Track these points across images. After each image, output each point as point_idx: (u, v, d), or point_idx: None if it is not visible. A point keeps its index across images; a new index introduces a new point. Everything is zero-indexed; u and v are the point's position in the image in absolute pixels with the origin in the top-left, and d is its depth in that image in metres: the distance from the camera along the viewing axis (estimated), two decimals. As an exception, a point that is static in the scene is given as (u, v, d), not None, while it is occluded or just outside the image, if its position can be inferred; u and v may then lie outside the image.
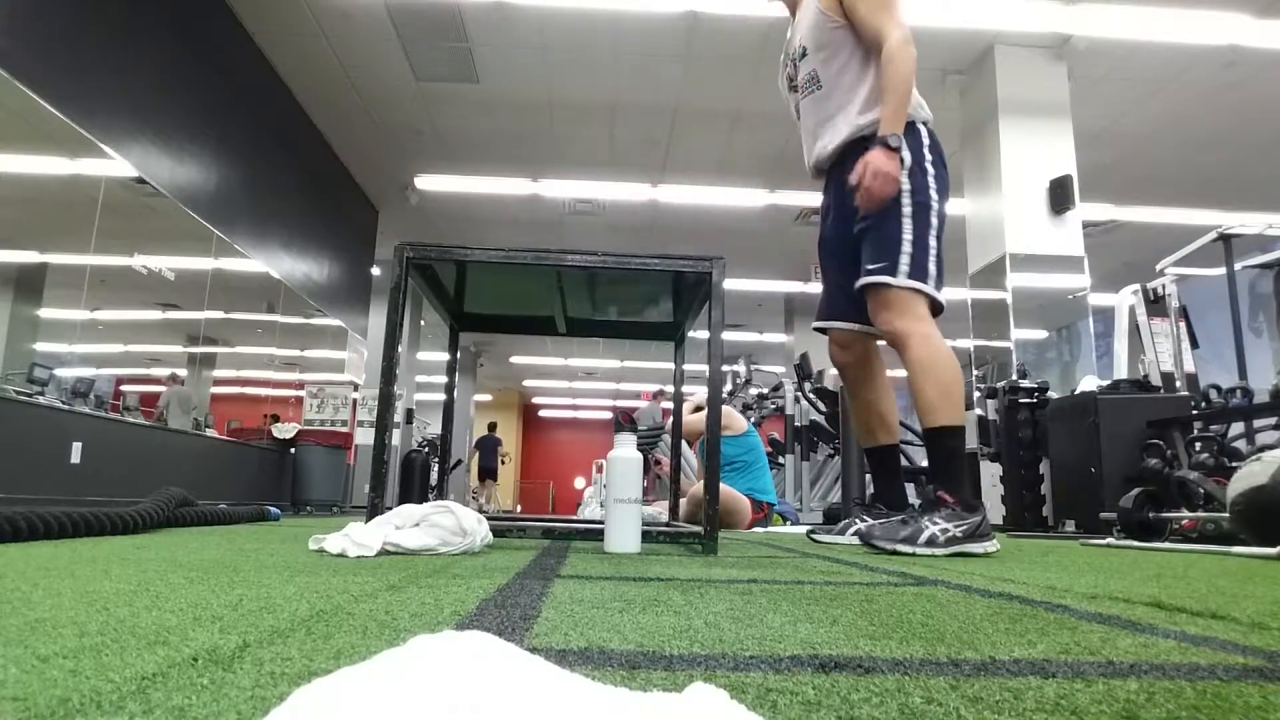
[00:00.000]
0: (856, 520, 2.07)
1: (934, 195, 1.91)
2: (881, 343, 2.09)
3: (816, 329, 2.19)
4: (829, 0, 1.98)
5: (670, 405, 3.91)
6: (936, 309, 1.92)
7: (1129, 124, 6.41)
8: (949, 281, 1.96)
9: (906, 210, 1.89)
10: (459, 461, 13.14)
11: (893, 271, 1.87)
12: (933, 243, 1.90)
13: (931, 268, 1.89)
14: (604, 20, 5.25)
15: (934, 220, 1.91)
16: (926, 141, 1.96)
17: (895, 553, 1.68)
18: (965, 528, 1.72)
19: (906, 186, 1.89)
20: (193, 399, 5.49)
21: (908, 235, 1.88)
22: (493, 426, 15.73)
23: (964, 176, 5.78)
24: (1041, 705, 0.41)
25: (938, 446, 1.85)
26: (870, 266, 1.90)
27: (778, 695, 0.42)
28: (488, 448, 15.10)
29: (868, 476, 6.19)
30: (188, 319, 5.47)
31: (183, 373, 5.64)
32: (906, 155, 1.90)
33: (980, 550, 1.71)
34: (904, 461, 7.57)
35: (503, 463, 15.92)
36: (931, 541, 1.69)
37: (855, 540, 2.02)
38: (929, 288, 1.88)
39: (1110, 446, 3.62)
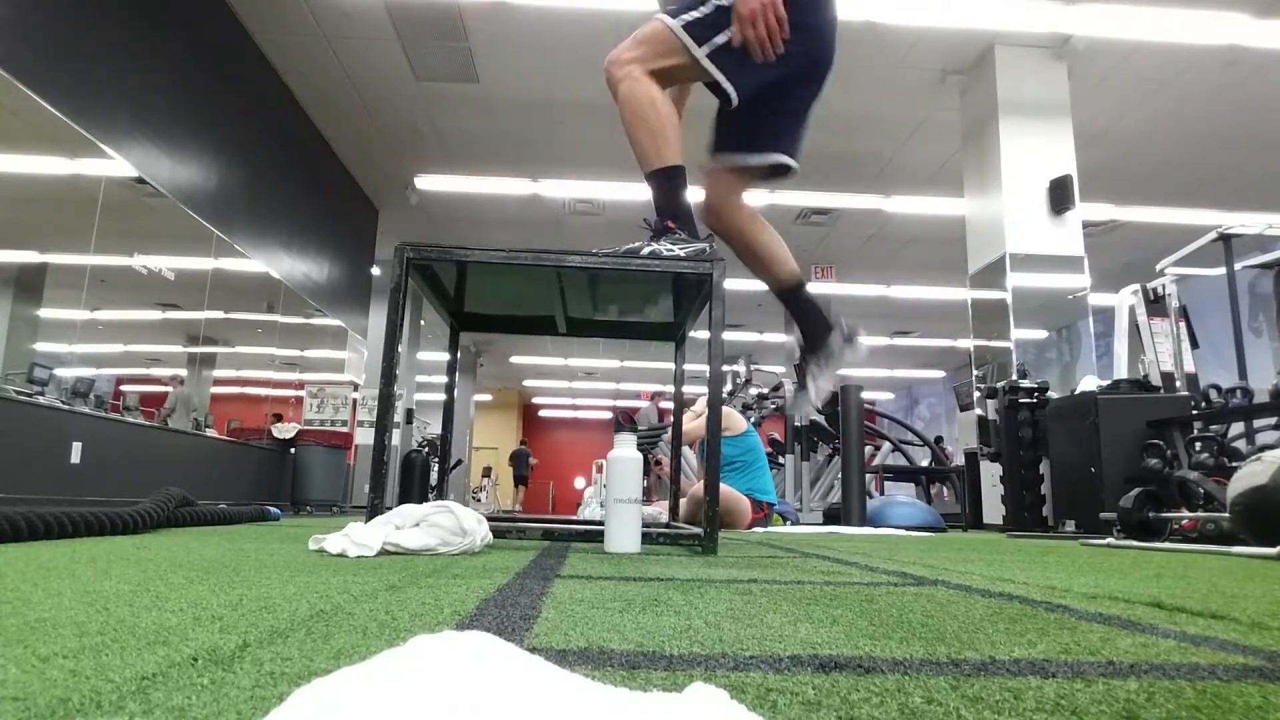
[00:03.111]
0: (809, 368, 1.99)
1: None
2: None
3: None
4: None
5: (668, 406, 3.91)
6: (724, 98, 1.78)
7: (1129, 124, 6.41)
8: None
9: None
10: (459, 461, 13.29)
11: (674, 13, 1.75)
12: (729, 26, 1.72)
13: (720, 37, 1.72)
14: (604, 20, 5.26)
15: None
16: None
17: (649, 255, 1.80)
18: (692, 250, 1.82)
19: None
20: (194, 401, 5.50)
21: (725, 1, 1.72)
22: (524, 442, 18.72)
23: (964, 176, 5.78)
24: (1041, 705, 0.41)
25: (660, 187, 1.84)
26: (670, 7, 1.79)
27: (778, 695, 0.42)
28: (520, 459, 17.72)
29: (869, 478, 6.19)
30: (188, 319, 5.47)
31: (182, 372, 5.65)
32: None
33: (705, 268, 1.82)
34: (904, 461, 7.55)
35: (531, 469, 18.17)
36: (655, 255, 1.80)
37: (821, 390, 1.97)
38: (700, 52, 1.73)
39: (1110, 446, 3.62)
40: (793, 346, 1.97)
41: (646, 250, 1.80)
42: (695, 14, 1.75)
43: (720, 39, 1.74)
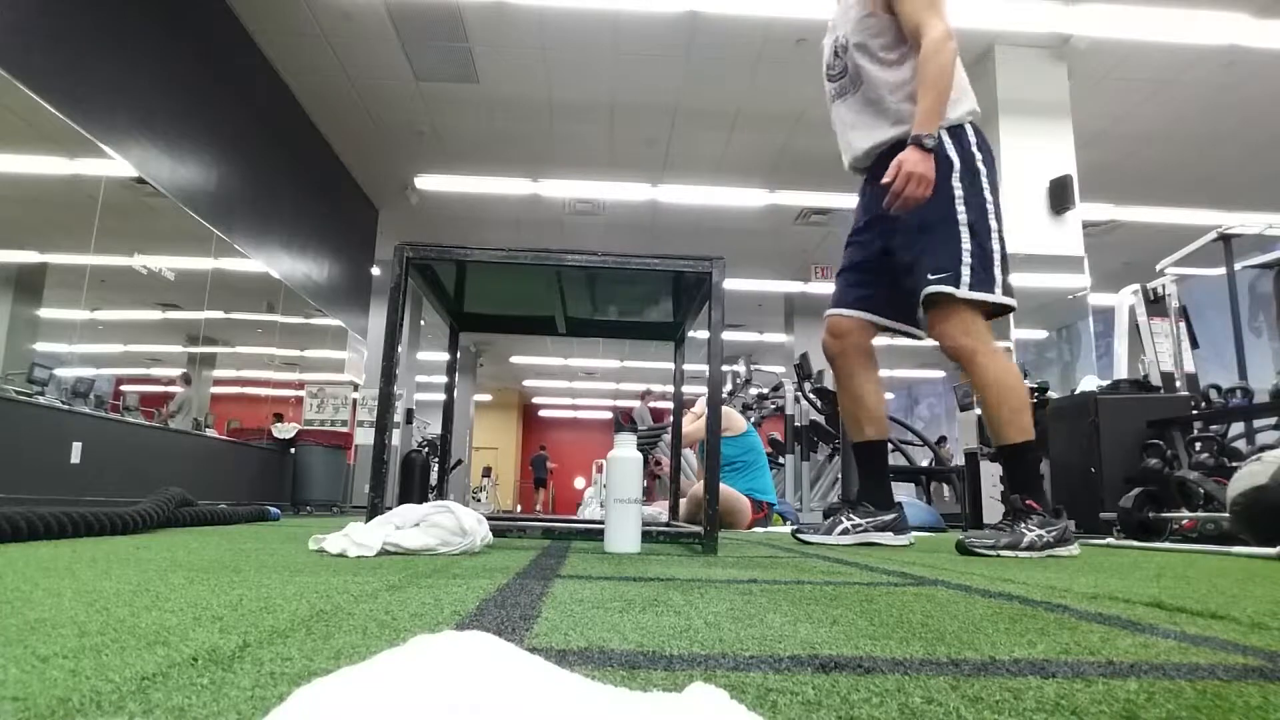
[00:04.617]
0: (844, 519, 2.06)
1: (988, 196, 1.89)
2: (876, 340, 2.09)
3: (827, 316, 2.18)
4: None
5: (661, 404, 3.89)
6: (1004, 309, 1.91)
7: (1129, 124, 6.41)
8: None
9: (963, 217, 1.85)
10: (459, 461, 13.33)
11: (955, 282, 1.83)
12: (995, 247, 1.86)
13: (997, 274, 1.86)
14: (604, 20, 5.25)
15: (993, 223, 1.88)
16: (974, 140, 1.93)
17: (998, 557, 1.71)
18: (1055, 533, 1.77)
19: (959, 193, 1.86)
20: (195, 401, 5.50)
21: (967, 245, 1.84)
22: (543, 448, 19.48)
23: (964, 176, 5.78)
24: (1041, 705, 0.41)
25: (1016, 461, 1.87)
26: (932, 276, 1.86)
27: (778, 695, 0.42)
28: (539, 464, 18.76)
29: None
30: (188, 319, 5.47)
31: (187, 372, 5.65)
32: (956, 159, 1.87)
33: (1066, 554, 1.77)
34: (904, 461, 7.56)
35: (551, 473, 19.07)
36: (1031, 546, 1.74)
37: (844, 540, 2.02)
38: (995, 296, 1.85)
39: (1110, 446, 3.62)
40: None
41: (1025, 542, 1.74)
42: (969, 272, 1.84)
43: (998, 272, 1.86)
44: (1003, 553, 1.73)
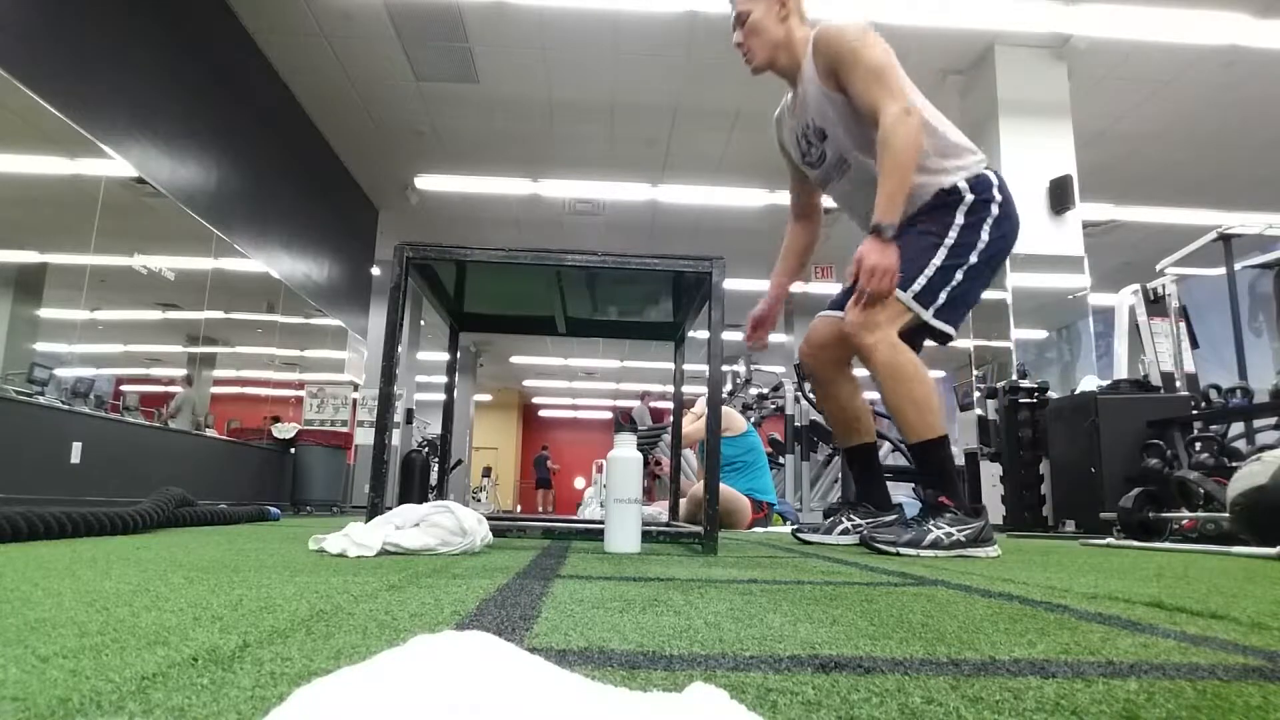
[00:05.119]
0: (844, 520, 2.06)
1: (985, 237, 1.86)
2: None
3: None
4: (828, 77, 1.89)
5: (661, 404, 3.89)
6: (939, 335, 1.89)
7: (1129, 124, 6.41)
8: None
9: (950, 240, 1.83)
10: (459, 461, 13.34)
11: (904, 285, 1.80)
12: (957, 276, 1.84)
13: (941, 297, 1.83)
14: (604, 20, 5.25)
15: (972, 258, 1.85)
16: (995, 183, 1.92)
17: (898, 555, 1.69)
18: (969, 532, 1.74)
19: (959, 220, 1.84)
20: (196, 402, 5.50)
21: (936, 263, 1.82)
22: (545, 448, 19.61)
23: (964, 176, 5.78)
24: (1041, 705, 0.41)
25: (927, 459, 1.85)
26: None
27: (778, 695, 0.42)
28: (540, 464, 18.95)
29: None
30: (188, 319, 5.47)
31: (187, 373, 5.65)
32: (969, 195, 1.87)
33: (982, 555, 1.73)
34: (904, 461, 7.55)
35: (553, 473, 19.11)
36: (936, 544, 1.71)
37: (844, 540, 2.02)
38: (927, 314, 1.82)
39: (1110, 446, 3.62)
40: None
41: (929, 539, 1.72)
42: (923, 282, 1.82)
43: (942, 298, 1.84)
44: (903, 550, 1.71)
